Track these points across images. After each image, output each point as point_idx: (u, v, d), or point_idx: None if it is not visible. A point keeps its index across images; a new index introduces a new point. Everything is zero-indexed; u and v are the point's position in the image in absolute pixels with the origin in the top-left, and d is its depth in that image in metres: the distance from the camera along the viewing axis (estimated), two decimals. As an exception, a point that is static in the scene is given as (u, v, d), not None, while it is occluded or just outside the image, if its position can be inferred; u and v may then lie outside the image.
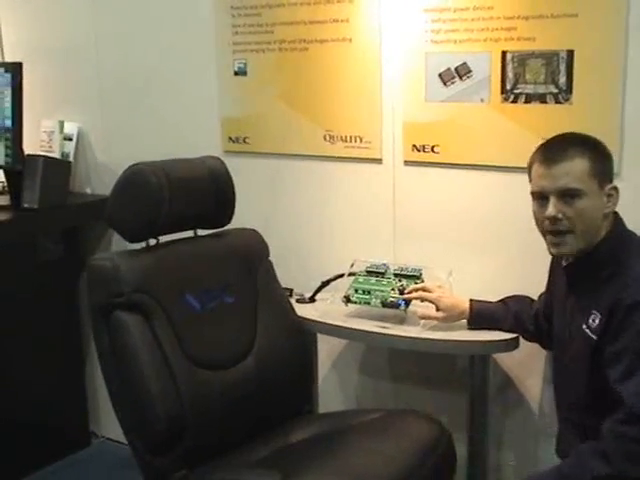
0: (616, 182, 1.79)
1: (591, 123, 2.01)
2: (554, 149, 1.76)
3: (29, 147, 2.84)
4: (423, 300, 2.17)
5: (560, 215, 1.72)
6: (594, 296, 1.74)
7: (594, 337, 1.72)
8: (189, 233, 2.24)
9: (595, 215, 1.73)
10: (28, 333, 2.91)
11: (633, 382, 1.63)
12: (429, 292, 2.16)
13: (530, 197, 1.81)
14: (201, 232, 2.26)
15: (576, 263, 1.81)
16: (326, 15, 2.39)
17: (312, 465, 1.97)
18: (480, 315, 2.11)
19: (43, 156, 2.82)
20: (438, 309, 2.13)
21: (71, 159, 2.98)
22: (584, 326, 1.75)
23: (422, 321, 2.16)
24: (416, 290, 2.18)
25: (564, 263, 1.86)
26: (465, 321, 2.14)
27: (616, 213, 1.80)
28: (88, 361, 3.16)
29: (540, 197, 1.76)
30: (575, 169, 1.71)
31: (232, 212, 2.24)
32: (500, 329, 2.10)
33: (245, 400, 2.10)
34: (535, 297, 2.12)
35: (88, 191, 3.07)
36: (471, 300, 2.12)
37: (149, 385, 1.95)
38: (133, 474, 2.07)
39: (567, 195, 1.72)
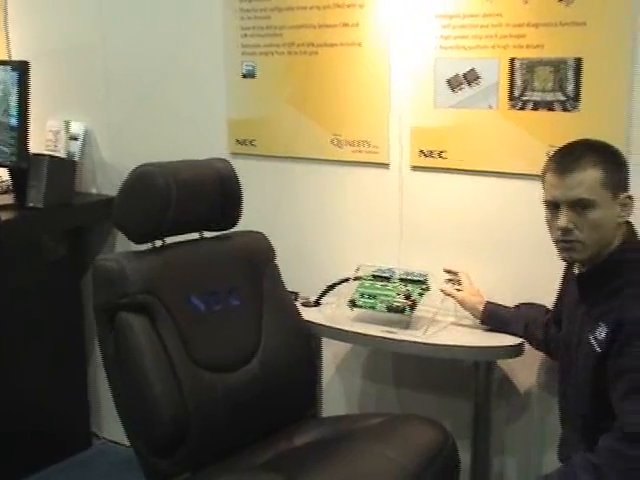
0: (624, 190, 1.79)
1: (598, 131, 2.00)
2: (567, 158, 1.75)
3: (35, 146, 2.85)
4: (448, 294, 2.22)
5: (571, 226, 1.72)
6: (603, 307, 1.73)
7: (599, 349, 1.71)
8: (195, 235, 2.24)
9: (608, 225, 1.73)
10: (31, 333, 2.90)
11: (629, 402, 1.63)
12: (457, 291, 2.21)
13: (539, 204, 1.81)
14: (207, 234, 2.26)
15: (588, 272, 1.80)
16: (336, 19, 2.40)
17: (316, 469, 1.96)
18: (491, 316, 2.15)
19: (49, 155, 2.82)
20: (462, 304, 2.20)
21: (77, 159, 2.99)
22: (591, 337, 1.74)
23: (425, 326, 2.18)
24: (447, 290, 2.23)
25: (576, 271, 1.85)
26: (471, 327, 2.17)
27: (629, 223, 1.79)
28: (91, 362, 3.15)
29: (553, 206, 1.76)
30: (587, 179, 1.70)
31: (239, 215, 2.24)
32: (509, 332, 2.13)
33: (249, 403, 2.10)
34: (543, 303, 2.13)
35: (94, 191, 3.07)
36: (487, 302, 2.17)
37: (153, 387, 1.94)
38: (134, 476, 2.07)
39: (579, 205, 1.71)
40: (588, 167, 1.71)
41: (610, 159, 1.74)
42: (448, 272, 2.26)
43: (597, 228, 1.71)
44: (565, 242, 1.74)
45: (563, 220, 1.72)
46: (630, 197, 1.75)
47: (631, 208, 1.76)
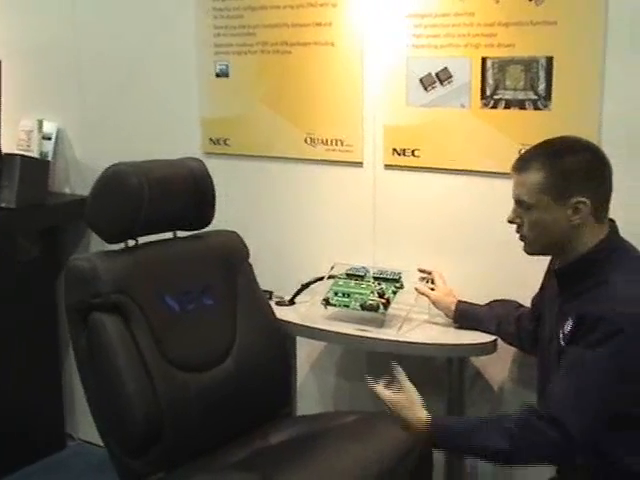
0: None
1: (569, 130, 2.01)
2: (523, 157, 1.81)
3: (7, 146, 2.83)
4: (422, 294, 2.24)
5: (517, 221, 1.79)
6: (574, 304, 1.75)
7: (562, 343, 1.75)
8: (168, 234, 2.23)
9: (551, 227, 1.75)
10: (4, 333, 2.88)
11: (558, 383, 1.69)
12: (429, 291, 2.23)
13: (511, 202, 1.82)
14: (181, 234, 2.25)
15: (563, 269, 1.83)
16: (309, 18, 2.40)
17: (290, 467, 1.97)
18: (463, 315, 2.17)
19: (21, 155, 2.80)
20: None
21: (50, 158, 2.97)
22: (560, 331, 1.77)
23: (399, 324, 2.19)
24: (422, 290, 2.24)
25: (555, 267, 1.88)
26: (444, 325, 2.20)
27: (612, 222, 1.81)
28: (65, 362, 3.14)
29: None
30: (527, 182, 1.75)
31: (212, 214, 2.23)
32: (483, 330, 2.14)
33: (223, 402, 2.10)
34: (517, 299, 2.15)
35: (67, 191, 3.06)
36: (459, 300, 2.19)
37: (126, 386, 1.94)
38: (110, 477, 2.06)
39: (519, 205, 1.78)
40: (531, 170, 1.74)
41: (561, 165, 1.73)
42: (422, 271, 2.28)
43: (535, 228, 1.77)
44: (519, 235, 1.82)
45: (509, 215, 1.81)
46: (583, 202, 1.72)
47: (586, 212, 1.73)
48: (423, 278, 2.27)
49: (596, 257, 1.76)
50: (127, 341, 1.98)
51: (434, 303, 2.23)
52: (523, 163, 1.77)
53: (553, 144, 1.81)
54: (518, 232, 1.81)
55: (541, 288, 2.04)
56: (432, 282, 2.25)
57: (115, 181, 2.06)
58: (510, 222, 1.81)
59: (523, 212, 1.77)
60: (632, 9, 1.98)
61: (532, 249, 1.83)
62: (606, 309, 1.66)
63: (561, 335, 1.76)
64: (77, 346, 2.04)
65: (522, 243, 1.83)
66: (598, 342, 1.64)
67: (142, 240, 2.14)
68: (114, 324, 1.98)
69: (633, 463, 1.71)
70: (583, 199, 1.74)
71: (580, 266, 1.77)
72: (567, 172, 1.75)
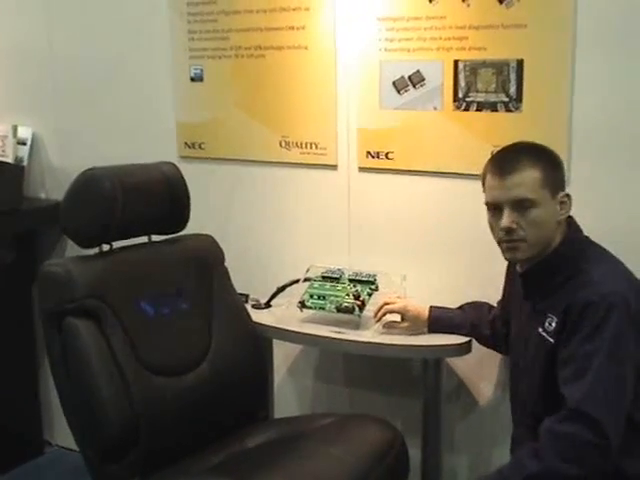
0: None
1: (540, 131, 2.05)
2: (506, 160, 1.79)
3: (-19, 152, 2.81)
4: (391, 312, 2.19)
5: (514, 225, 1.75)
6: (550, 300, 1.77)
7: (551, 340, 1.75)
8: (143, 239, 2.23)
9: (548, 223, 1.76)
10: (-20, 340, 2.87)
11: (578, 385, 1.66)
12: (393, 304, 2.18)
13: (482, 203, 1.84)
14: (156, 238, 2.25)
15: (531, 269, 1.83)
16: (282, 22, 2.41)
17: (267, 470, 1.96)
18: (438, 321, 2.15)
19: (-4, 160, 2.79)
20: (403, 319, 2.17)
21: (25, 163, 2.95)
22: (540, 329, 1.78)
23: (376, 325, 2.19)
24: (381, 308, 2.19)
25: (519, 270, 1.88)
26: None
27: (571, 218, 1.83)
28: (42, 368, 3.12)
29: (494, 207, 1.78)
30: (527, 180, 1.73)
31: (187, 218, 2.23)
32: (459, 334, 2.14)
33: (199, 406, 2.10)
34: (490, 302, 2.16)
35: (42, 196, 3.04)
36: (431, 307, 2.16)
37: (101, 391, 1.93)
38: (88, 483, 2.05)
39: (520, 205, 1.74)
40: (527, 168, 1.74)
41: (547, 159, 1.78)
42: (380, 310, 2.19)
43: (539, 226, 1.75)
44: (508, 242, 1.77)
45: (506, 220, 1.75)
46: (568, 196, 1.80)
47: (569, 206, 1.80)
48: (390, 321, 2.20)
49: (567, 252, 1.78)
50: (102, 346, 1.97)
51: (410, 330, 2.16)
52: (512, 164, 1.75)
53: (527, 144, 1.84)
54: (513, 238, 1.75)
55: (503, 296, 2.06)
56: (402, 318, 2.19)
57: (89, 186, 2.06)
58: (508, 229, 1.74)
59: (521, 214, 1.74)
60: (601, 12, 2.01)
61: (531, 251, 1.77)
62: (591, 294, 1.67)
63: (544, 334, 1.76)
64: (52, 351, 2.03)
65: (500, 247, 1.80)
66: (597, 328, 1.65)
67: (117, 245, 2.14)
68: (88, 329, 1.97)
69: (628, 466, 1.72)
70: (567, 192, 1.77)
71: (550, 263, 1.79)
72: (557, 165, 1.80)
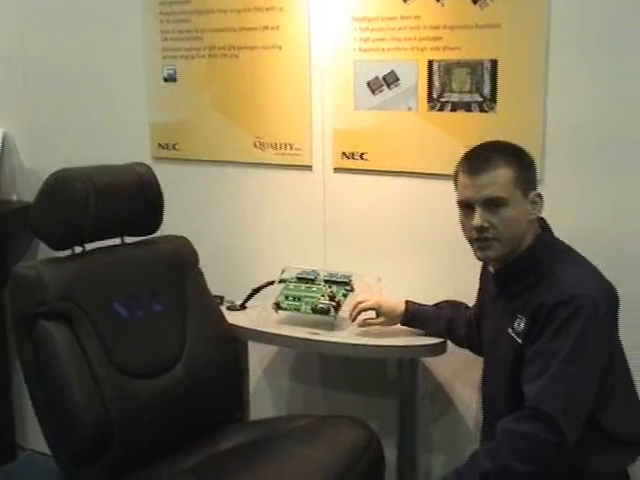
0: (539, 188, 1.83)
1: (515, 131, 2.05)
2: (478, 159, 1.79)
3: (-49, 153, 2.77)
4: (365, 310, 2.18)
5: (486, 224, 1.75)
6: (520, 301, 1.78)
7: (519, 341, 1.75)
8: (116, 240, 2.21)
9: (520, 222, 1.77)
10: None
11: (538, 382, 1.66)
12: (366, 301, 2.18)
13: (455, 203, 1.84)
14: (129, 239, 2.23)
15: (504, 269, 1.84)
16: (256, 22, 2.40)
17: (241, 472, 1.96)
18: (413, 315, 2.15)
19: (-34, 162, 2.75)
20: (378, 315, 2.17)
21: (-5, 165, 2.92)
22: (510, 330, 1.79)
23: (352, 325, 2.18)
24: (354, 308, 2.19)
25: (492, 270, 1.89)
26: (395, 328, 2.17)
27: (543, 219, 1.84)
28: (14, 372, 3.08)
29: (466, 206, 1.79)
30: (499, 178, 1.74)
31: (160, 219, 2.21)
32: (431, 331, 2.14)
33: (174, 409, 2.08)
34: (465, 302, 2.16)
35: (14, 198, 3.01)
36: (407, 301, 2.16)
37: (74, 393, 1.91)
38: (62, 487, 2.03)
39: (492, 204, 1.74)
40: (499, 167, 1.74)
41: (519, 159, 1.79)
42: (354, 309, 2.19)
43: (510, 225, 1.75)
44: (480, 241, 1.78)
45: (478, 219, 1.75)
46: (539, 195, 1.80)
47: (541, 206, 1.80)
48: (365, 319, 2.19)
49: (538, 253, 1.79)
50: (74, 349, 1.95)
51: (385, 325, 2.17)
52: (484, 163, 1.75)
53: (499, 143, 1.84)
54: (484, 236, 1.75)
55: (478, 297, 2.06)
56: (377, 314, 2.18)
57: (60, 187, 2.04)
58: (480, 228, 1.74)
59: (493, 212, 1.74)
60: (574, 11, 2.02)
61: (503, 250, 1.77)
62: (560, 295, 1.68)
63: (513, 334, 1.77)
64: (24, 355, 2.01)
65: (472, 246, 1.81)
66: (563, 327, 1.65)
67: (89, 247, 2.12)
68: (61, 332, 1.95)
69: (592, 463, 1.73)
70: (538, 192, 1.78)
71: (522, 264, 1.79)
72: (529, 164, 1.80)
